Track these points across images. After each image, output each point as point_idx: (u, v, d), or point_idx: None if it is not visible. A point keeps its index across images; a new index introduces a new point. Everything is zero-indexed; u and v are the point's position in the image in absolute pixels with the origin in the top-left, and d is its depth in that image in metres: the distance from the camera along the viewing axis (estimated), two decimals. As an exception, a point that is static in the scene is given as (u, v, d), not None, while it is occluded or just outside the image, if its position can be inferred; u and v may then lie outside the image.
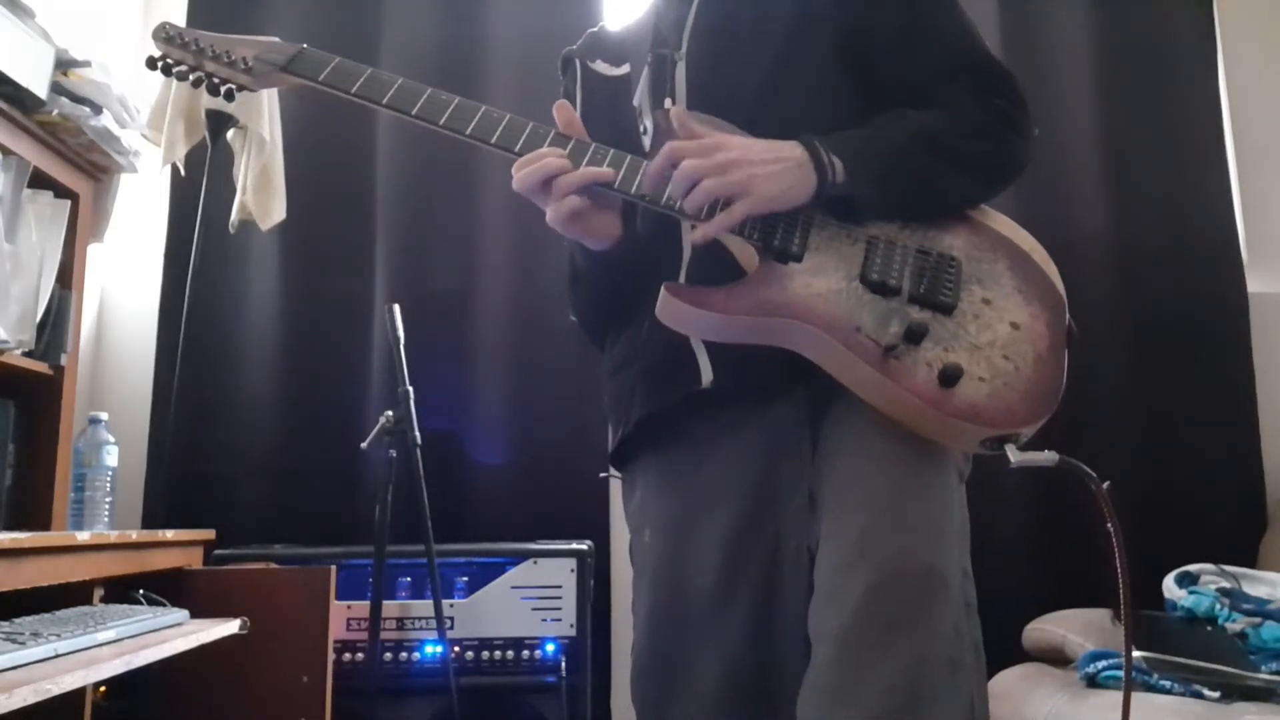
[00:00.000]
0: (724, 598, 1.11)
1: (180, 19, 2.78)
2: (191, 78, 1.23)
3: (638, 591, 1.20)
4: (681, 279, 1.13)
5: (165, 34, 1.24)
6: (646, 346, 1.18)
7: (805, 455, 1.09)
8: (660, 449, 1.20)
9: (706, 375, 1.12)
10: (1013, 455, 1.00)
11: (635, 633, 1.19)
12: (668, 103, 1.18)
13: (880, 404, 1.04)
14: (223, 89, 1.23)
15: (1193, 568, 2.23)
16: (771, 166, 1.04)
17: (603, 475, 1.32)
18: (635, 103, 1.21)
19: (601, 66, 1.32)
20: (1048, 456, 1.00)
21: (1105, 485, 1.02)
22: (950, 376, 1.01)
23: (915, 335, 1.02)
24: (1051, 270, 1.14)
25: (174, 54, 1.23)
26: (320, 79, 1.15)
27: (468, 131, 1.11)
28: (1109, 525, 1.01)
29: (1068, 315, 1.11)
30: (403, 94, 1.12)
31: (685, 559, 1.14)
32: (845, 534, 1.01)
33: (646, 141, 1.19)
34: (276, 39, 1.27)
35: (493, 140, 1.10)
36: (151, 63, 1.22)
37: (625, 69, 1.27)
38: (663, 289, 1.05)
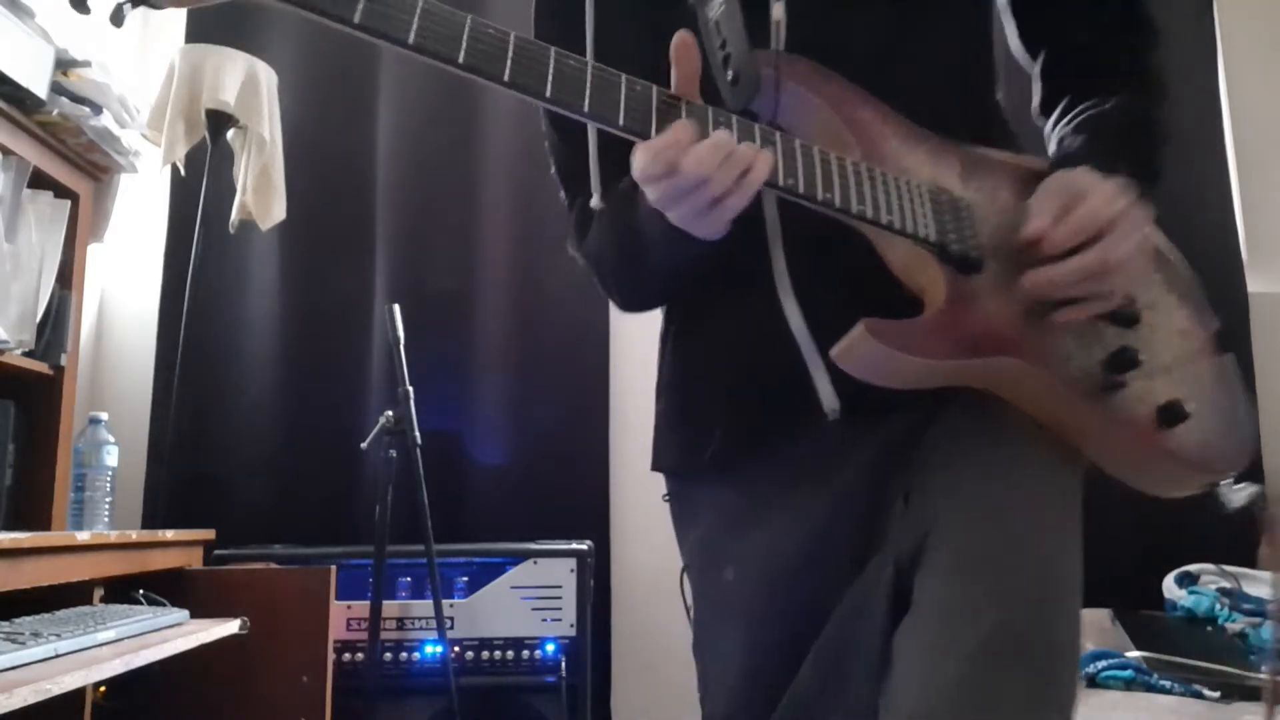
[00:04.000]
0: (844, 641, 0.90)
1: (180, 19, 2.78)
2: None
3: (718, 633, 1.01)
4: (785, 294, 0.90)
5: None
6: (735, 361, 0.96)
7: (914, 458, 0.90)
8: (740, 473, 0.98)
9: (830, 403, 0.91)
10: (1231, 496, 0.88)
11: (714, 682, 1.00)
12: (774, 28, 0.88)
13: (1089, 445, 0.87)
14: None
15: (1193, 568, 2.23)
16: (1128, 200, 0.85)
17: (664, 498, 1.07)
18: (710, 14, 0.85)
19: None
20: (1252, 490, 0.89)
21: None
22: (1174, 414, 0.84)
23: (1126, 365, 0.84)
24: (1177, 255, 0.96)
25: None
26: None
27: (546, 94, 0.74)
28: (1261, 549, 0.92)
29: (1211, 312, 0.94)
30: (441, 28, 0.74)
31: (794, 603, 0.94)
32: (973, 545, 0.84)
33: (732, 92, 0.84)
34: None
35: (585, 108, 0.76)
36: None
37: None
38: (862, 329, 0.79)
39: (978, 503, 0.86)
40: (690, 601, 1.05)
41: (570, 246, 1.04)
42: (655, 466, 1.06)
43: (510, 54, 0.73)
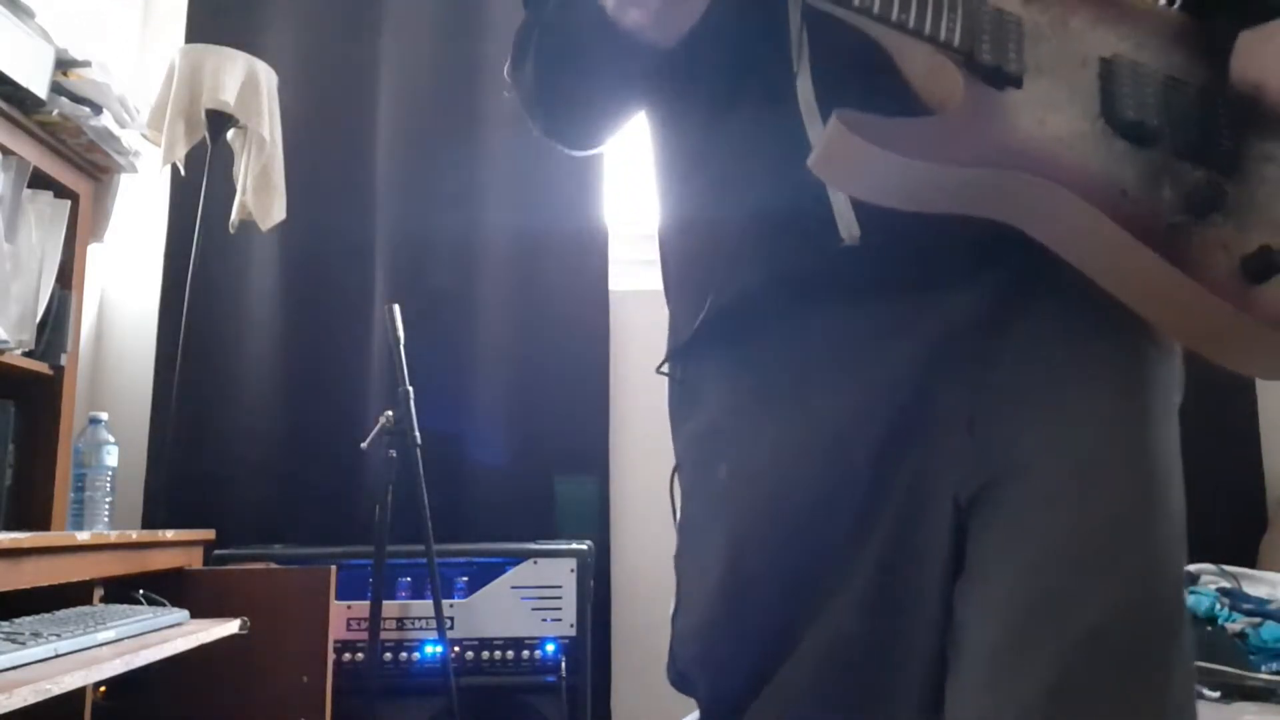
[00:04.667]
0: (842, 559, 0.79)
1: (180, 19, 2.78)
2: None
3: (700, 541, 0.88)
4: (809, 114, 0.75)
5: None
6: (751, 192, 0.80)
7: (975, 373, 0.76)
8: (754, 350, 0.83)
9: (849, 228, 0.75)
10: None
11: (688, 596, 0.89)
12: None
13: (1159, 311, 0.74)
14: None
15: (1193, 568, 2.23)
16: None
17: (660, 371, 0.93)
18: None
19: None
20: None
21: None
22: (1264, 266, 0.70)
23: (1203, 204, 0.72)
24: None
25: None
26: None
27: None
28: None
29: None
30: None
31: (793, 512, 0.81)
32: (1080, 518, 0.71)
33: None
34: None
35: None
36: None
37: None
38: (835, 120, 0.67)
39: (1079, 461, 0.73)
40: (679, 506, 0.91)
41: (506, 70, 0.92)
42: (666, 356, 0.92)
43: None
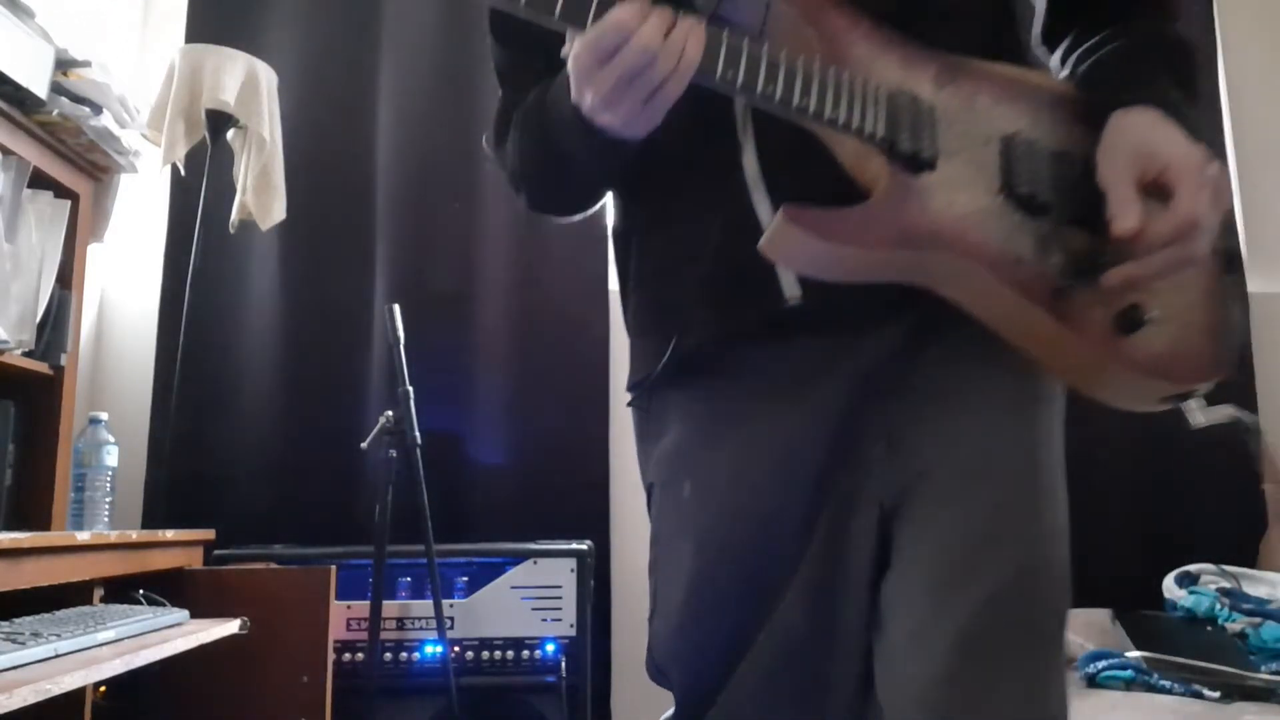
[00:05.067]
0: (790, 562, 0.91)
1: (180, 19, 2.78)
2: None
3: (670, 551, 0.98)
4: (755, 188, 0.88)
5: None
6: (701, 252, 0.92)
7: (891, 398, 0.89)
8: (710, 383, 0.96)
9: (791, 289, 0.88)
10: (1198, 414, 0.88)
11: (662, 601, 0.99)
12: None
13: (1048, 354, 0.86)
14: None
15: (1193, 568, 2.23)
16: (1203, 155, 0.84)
17: (628, 405, 1.05)
18: None
19: None
20: (1226, 411, 0.89)
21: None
22: (1131, 322, 0.83)
23: (1085, 269, 0.83)
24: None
25: None
26: None
27: None
28: (1264, 486, 0.91)
29: (1226, 235, 0.91)
30: None
31: (748, 523, 0.93)
32: (975, 502, 0.85)
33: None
34: None
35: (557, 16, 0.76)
36: None
37: None
38: (781, 214, 0.79)
39: (971, 461, 0.86)
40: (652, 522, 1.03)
41: (486, 143, 1.04)
42: (629, 387, 1.04)
43: None
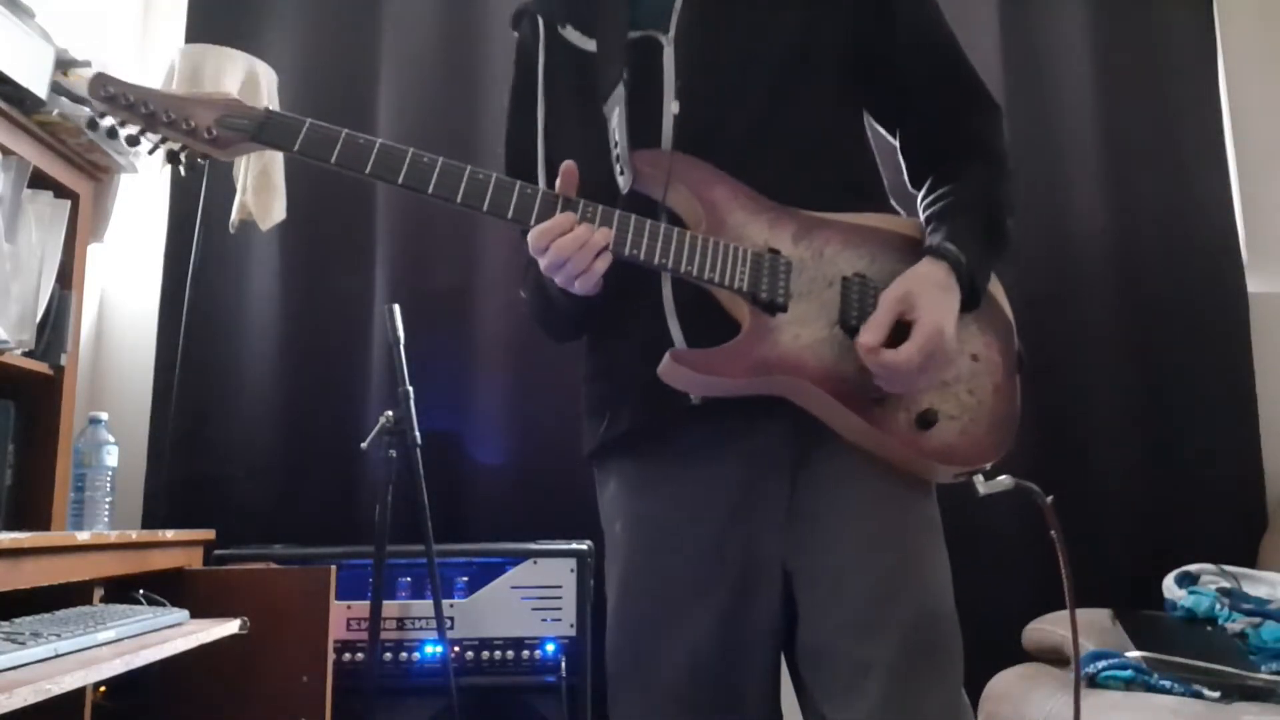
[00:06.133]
0: (695, 596, 1.14)
1: (180, 19, 2.78)
2: (148, 145, 1.10)
3: (609, 579, 1.24)
4: (670, 316, 1.13)
5: (104, 92, 1.05)
6: (631, 360, 1.17)
7: (787, 472, 1.13)
8: (639, 455, 1.21)
9: (694, 396, 1.14)
10: (980, 486, 1.10)
11: (610, 618, 1.23)
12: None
13: (869, 446, 1.10)
14: (183, 156, 1.11)
15: (1193, 568, 2.23)
16: (950, 320, 1.08)
17: (588, 462, 1.31)
18: (610, 121, 1.13)
19: (572, 34, 1.21)
20: (1004, 482, 1.10)
21: (1049, 499, 1.11)
22: (926, 421, 1.09)
23: (875, 388, 1.08)
24: (1001, 296, 1.20)
25: (119, 115, 1.06)
26: (296, 149, 1.06)
27: (458, 200, 1.07)
28: (1053, 534, 1.12)
29: (1016, 340, 1.18)
30: (384, 159, 1.06)
31: (658, 557, 1.17)
32: (873, 569, 1.08)
33: (622, 179, 1.12)
34: (232, 95, 1.13)
35: (484, 208, 1.07)
36: (112, 131, 1.09)
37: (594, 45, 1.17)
38: (668, 356, 1.07)
39: (865, 533, 1.10)
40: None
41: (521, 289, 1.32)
42: (585, 454, 1.28)
43: (436, 172, 1.07)
